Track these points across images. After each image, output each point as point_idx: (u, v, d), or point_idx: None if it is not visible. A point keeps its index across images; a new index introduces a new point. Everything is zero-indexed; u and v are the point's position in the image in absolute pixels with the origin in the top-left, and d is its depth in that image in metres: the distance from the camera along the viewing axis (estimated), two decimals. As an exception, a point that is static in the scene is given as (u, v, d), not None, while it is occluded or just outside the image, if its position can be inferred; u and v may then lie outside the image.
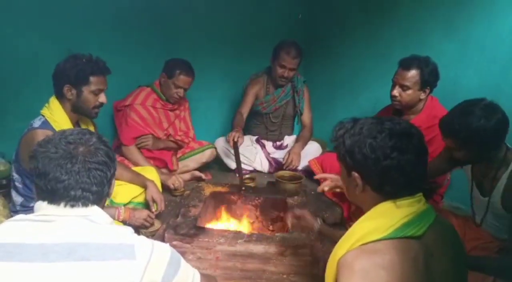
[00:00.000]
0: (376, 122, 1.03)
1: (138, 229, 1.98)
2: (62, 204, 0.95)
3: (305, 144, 3.05)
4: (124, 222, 1.95)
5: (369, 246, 0.93)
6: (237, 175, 2.53)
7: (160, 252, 0.96)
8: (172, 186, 2.54)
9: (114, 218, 1.96)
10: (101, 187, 0.99)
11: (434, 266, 0.95)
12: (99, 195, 0.99)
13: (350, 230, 1.03)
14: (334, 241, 1.57)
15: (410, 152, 0.98)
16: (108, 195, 1.05)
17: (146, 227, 2.06)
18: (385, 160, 0.97)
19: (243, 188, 2.37)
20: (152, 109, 2.75)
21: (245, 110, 3.00)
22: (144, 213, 2.04)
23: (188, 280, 1.04)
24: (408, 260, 0.91)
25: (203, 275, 1.13)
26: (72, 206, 0.96)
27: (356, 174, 1.04)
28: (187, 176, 2.82)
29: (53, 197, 0.96)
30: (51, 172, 0.95)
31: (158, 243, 0.97)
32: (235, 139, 2.58)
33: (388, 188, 1.01)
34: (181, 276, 1.01)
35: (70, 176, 0.95)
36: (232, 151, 2.98)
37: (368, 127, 1.02)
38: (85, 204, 0.97)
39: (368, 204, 1.05)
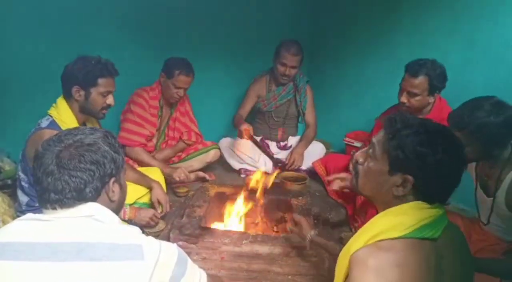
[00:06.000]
0: (446, 131, 1.04)
1: (143, 229, 1.99)
2: (49, 206, 0.94)
3: (309, 143, 3.05)
4: (130, 221, 1.96)
5: (385, 243, 0.93)
6: (269, 159, 2.80)
7: (168, 252, 0.95)
8: (178, 179, 2.51)
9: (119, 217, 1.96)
10: (79, 190, 0.94)
11: (444, 268, 0.95)
12: (79, 196, 0.95)
13: (368, 224, 1.02)
14: (327, 251, 1.61)
15: (463, 165, 1.03)
16: (109, 197, 1.01)
17: (152, 227, 2.06)
18: (449, 170, 0.99)
19: (279, 164, 2.74)
20: (152, 108, 2.73)
21: (243, 112, 3.02)
22: (150, 212, 2.05)
23: (195, 280, 1.04)
24: (421, 260, 0.91)
25: (209, 276, 1.13)
26: (54, 208, 0.94)
27: (410, 178, 1.00)
28: (191, 176, 2.82)
29: (39, 200, 0.96)
30: (35, 172, 0.96)
31: (165, 243, 0.97)
32: (251, 133, 2.64)
33: (431, 193, 1.02)
34: (188, 276, 1.00)
35: (45, 178, 0.93)
36: (236, 152, 3.00)
37: (443, 135, 1.01)
38: (66, 205, 0.94)
39: (394, 202, 1.04)
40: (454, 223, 1.12)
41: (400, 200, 1.03)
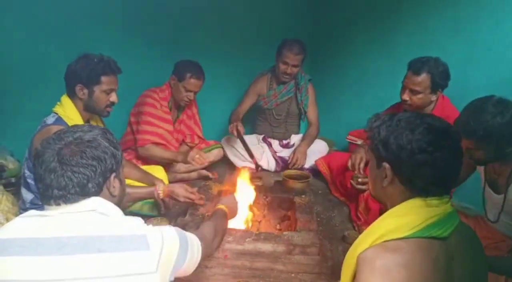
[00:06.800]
0: (416, 116, 1.02)
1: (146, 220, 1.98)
2: (53, 203, 0.95)
3: (311, 142, 3.05)
4: (164, 201, 2.06)
5: (391, 243, 0.92)
6: (251, 159, 2.81)
7: (170, 238, 0.99)
8: (194, 163, 2.47)
9: (152, 197, 2.03)
10: (82, 185, 0.95)
11: (454, 269, 0.94)
12: (83, 191, 0.96)
13: (374, 224, 1.01)
14: None
15: (446, 150, 0.98)
16: (110, 192, 1.03)
17: (192, 200, 2.06)
18: (420, 153, 0.96)
19: (260, 168, 2.75)
20: (164, 107, 2.72)
21: (241, 109, 3.04)
22: (182, 188, 2.07)
23: (194, 257, 1.10)
24: (429, 260, 0.90)
25: (202, 240, 1.20)
26: (58, 204, 0.94)
27: (387, 165, 1.02)
28: (194, 175, 2.82)
29: (42, 197, 0.97)
30: (36, 170, 0.97)
31: (165, 230, 1.00)
32: (239, 128, 2.68)
33: (418, 182, 0.99)
34: (190, 252, 1.07)
35: (48, 175, 0.94)
36: (238, 150, 3.00)
37: (407, 120, 1.01)
38: (69, 201, 0.95)
39: (394, 199, 1.04)
40: (468, 224, 1.10)
41: (396, 195, 1.03)
